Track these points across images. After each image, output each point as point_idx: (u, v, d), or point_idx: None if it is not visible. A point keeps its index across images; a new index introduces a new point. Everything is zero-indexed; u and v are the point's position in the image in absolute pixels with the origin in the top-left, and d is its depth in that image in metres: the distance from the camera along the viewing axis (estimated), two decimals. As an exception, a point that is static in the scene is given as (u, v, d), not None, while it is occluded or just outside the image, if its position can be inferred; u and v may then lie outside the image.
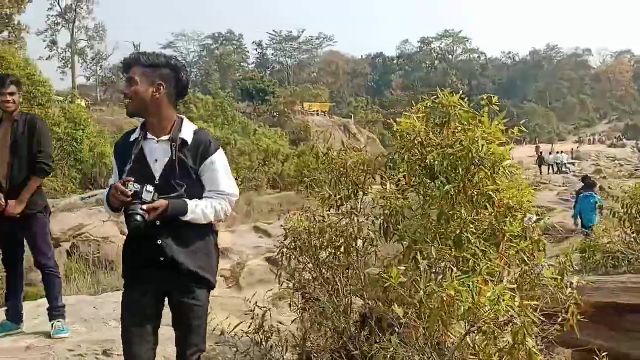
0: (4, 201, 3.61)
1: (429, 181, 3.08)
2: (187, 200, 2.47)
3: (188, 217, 2.45)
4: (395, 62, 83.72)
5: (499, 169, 2.94)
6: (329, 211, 3.73)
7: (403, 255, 2.79)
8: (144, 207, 2.33)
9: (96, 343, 3.77)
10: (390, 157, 3.32)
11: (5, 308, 4.06)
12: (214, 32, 76.08)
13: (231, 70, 66.30)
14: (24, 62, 20.95)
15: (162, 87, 2.50)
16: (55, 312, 3.86)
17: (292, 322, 3.96)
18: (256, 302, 3.74)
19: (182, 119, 2.57)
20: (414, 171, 3.12)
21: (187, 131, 2.53)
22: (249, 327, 3.62)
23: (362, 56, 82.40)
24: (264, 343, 3.60)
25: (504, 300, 2.21)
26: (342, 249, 3.29)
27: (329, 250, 3.37)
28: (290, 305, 3.85)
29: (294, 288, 3.83)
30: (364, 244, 3.40)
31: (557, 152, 40.02)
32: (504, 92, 73.46)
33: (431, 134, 3.12)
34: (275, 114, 46.95)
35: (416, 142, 3.10)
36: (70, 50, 50.72)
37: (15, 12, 38.84)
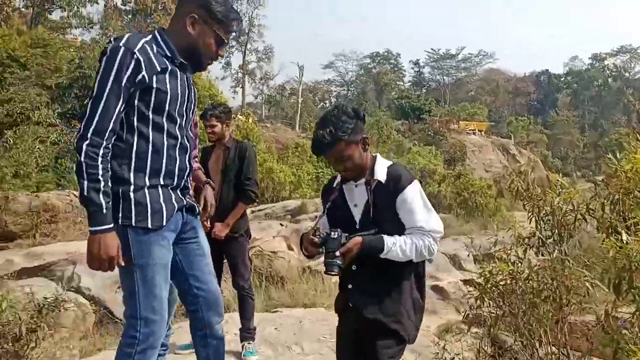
0: (209, 223, 3.82)
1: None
2: (384, 236, 2.36)
3: (385, 253, 2.34)
4: (562, 79, 78.28)
5: None
6: (525, 251, 3.43)
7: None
8: (337, 253, 2.28)
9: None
10: (610, 199, 2.93)
11: None
12: (372, 51, 77.40)
13: (387, 89, 66.66)
14: (208, 83, 22.98)
15: (366, 140, 2.47)
16: (247, 333, 4.00)
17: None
18: (444, 346, 3.53)
19: (375, 157, 2.50)
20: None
21: (381, 170, 2.45)
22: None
23: (524, 74, 78.21)
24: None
25: None
26: (551, 299, 2.97)
27: (534, 298, 3.06)
28: (479, 351, 3.59)
29: (483, 334, 3.57)
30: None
31: None
32: (693, 112, 65.09)
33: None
34: (430, 132, 46.21)
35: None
36: (241, 70, 54.71)
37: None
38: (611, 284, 2.35)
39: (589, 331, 3.36)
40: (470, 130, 48.54)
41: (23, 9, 36.21)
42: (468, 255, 9.78)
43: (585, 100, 73.61)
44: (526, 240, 3.32)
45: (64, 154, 14.20)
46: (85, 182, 2.13)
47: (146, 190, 2.28)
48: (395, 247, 2.35)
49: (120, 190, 2.24)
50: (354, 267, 2.40)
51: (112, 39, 2.30)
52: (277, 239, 9.04)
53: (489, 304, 3.44)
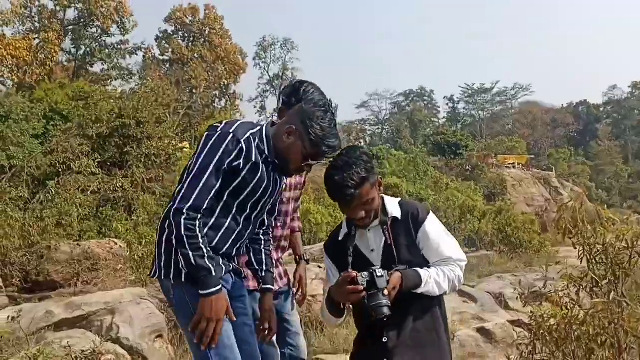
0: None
1: None
2: (418, 269, 2.25)
3: (423, 288, 2.22)
4: (601, 109, 76.82)
5: None
6: (578, 292, 3.22)
7: None
8: (385, 292, 2.14)
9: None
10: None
11: None
12: (405, 89, 77.75)
13: (422, 126, 66.64)
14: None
15: (380, 182, 2.38)
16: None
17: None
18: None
19: (383, 197, 2.39)
20: None
21: (393, 207, 2.36)
22: None
23: (562, 105, 77.08)
24: None
25: None
26: (609, 344, 2.76)
27: (591, 344, 2.85)
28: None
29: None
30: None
31: None
32: None
33: None
34: (468, 167, 45.66)
35: None
36: (276, 114, 55.75)
37: (231, 82, 44.07)
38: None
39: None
40: (509, 163, 47.78)
41: (65, 63, 37.96)
42: (515, 294, 9.43)
43: (626, 129, 71.89)
44: (578, 281, 3.11)
45: (105, 203, 14.49)
46: (190, 253, 2.24)
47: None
48: (431, 279, 2.25)
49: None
50: (385, 319, 2.19)
51: (224, 122, 2.43)
52: (315, 282, 8.89)
53: (541, 349, 3.23)
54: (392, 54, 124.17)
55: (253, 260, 2.66)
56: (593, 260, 3.17)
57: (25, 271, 10.29)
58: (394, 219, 2.33)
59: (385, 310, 2.11)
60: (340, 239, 2.43)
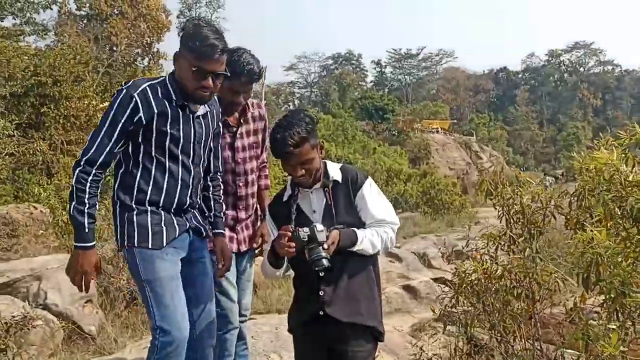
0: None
1: (629, 226, 2.74)
2: (355, 229, 2.39)
3: (358, 246, 2.37)
4: (520, 76, 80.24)
5: None
6: (497, 249, 3.49)
7: (607, 309, 2.48)
8: (325, 246, 2.27)
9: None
10: (577, 196, 3.01)
11: None
12: (333, 52, 77.75)
13: (350, 89, 67.09)
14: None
15: (322, 145, 2.50)
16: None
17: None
18: (421, 347, 3.56)
19: (325, 162, 2.52)
20: (611, 213, 2.79)
21: (334, 171, 2.50)
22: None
23: (484, 71, 79.88)
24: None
25: None
26: (524, 295, 3.03)
27: (507, 296, 3.11)
28: (455, 350, 3.64)
29: (458, 332, 3.61)
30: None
31: None
32: (644, 105, 67.62)
33: (632, 173, 2.77)
34: (394, 131, 46.68)
35: (614, 180, 2.77)
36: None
37: (155, 40, 42.34)
38: (580, 278, 2.41)
39: (559, 325, 3.43)
40: (433, 128, 49.24)
41: (-27, 17, 35.09)
42: (438, 254, 9.91)
43: (542, 95, 75.67)
44: (497, 239, 3.36)
45: (22, 166, 13.77)
46: (73, 203, 2.36)
47: (148, 215, 2.46)
48: (366, 239, 2.40)
49: (126, 215, 2.46)
50: (321, 273, 2.35)
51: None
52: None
53: (463, 302, 3.49)
54: (322, 16, 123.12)
55: (203, 206, 2.75)
56: (511, 220, 3.43)
57: None
58: (335, 182, 2.46)
59: (325, 262, 2.23)
60: (284, 200, 2.53)
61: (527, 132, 65.01)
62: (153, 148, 2.45)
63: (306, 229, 2.27)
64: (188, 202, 2.57)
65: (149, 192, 2.47)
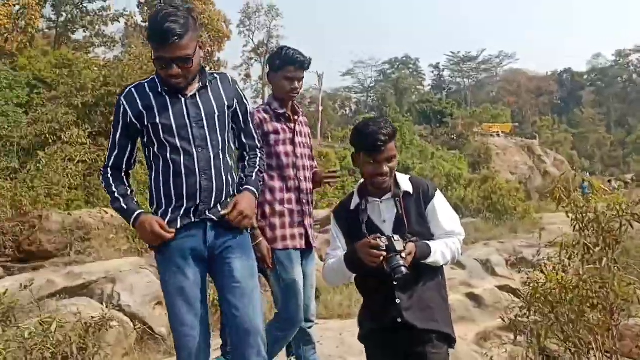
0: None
1: None
2: (427, 242, 2.41)
3: (431, 259, 2.38)
4: (585, 77, 77.22)
5: None
6: (570, 259, 3.39)
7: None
8: (403, 255, 2.27)
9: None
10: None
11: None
12: (390, 57, 77.37)
13: (407, 94, 66.52)
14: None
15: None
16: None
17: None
18: (491, 357, 3.49)
19: (395, 173, 2.51)
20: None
21: (404, 182, 2.49)
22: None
23: (547, 73, 77.32)
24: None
25: None
26: (600, 306, 2.93)
27: (583, 307, 3.02)
28: (525, 360, 3.55)
29: (528, 343, 3.52)
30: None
31: None
32: None
33: None
34: (453, 135, 45.90)
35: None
36: (261, 82, 55.14)
37: (215, 49, 43.45)
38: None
39: (638, 337, 3.30)
40: (493, 132, 48.09)
41: (46, 30, 37.08)
42: (503, 260, 9.68)
43: (610, 97, 72.52)
44: (571, 247, 3.26)
45: (93, 172, 14.43)
46: (110, 201, 2.54)
47: (159, 214, 2.48)
48: (438, 252, 2.40)
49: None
50: (394, 282, 2.35)
51: None
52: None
53: (534, 312, 3.41)
54: (378, 21, 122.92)
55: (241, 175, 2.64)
56: (585, 228, 3.32)
57: (17, 241, 10.31)
58: (406, 192, 2.46)
59: (404, 270, 2.23)
60: (351, 208, 2.53)
61: (594, 135, 62.41)
62: (155, 146, 2.46)
63: (384, 239, 2.28)
64: (202, 190, 2.44)
65: (161, 191, 2.47)
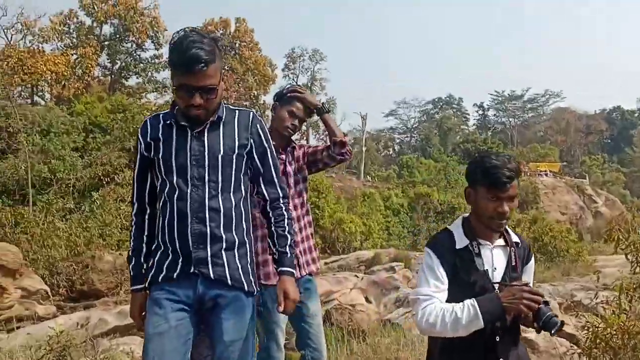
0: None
1: None
2: None
3: None
4: (636, 115, 75.11)
5: None
6: (631, 302, 3.25)
7: None
8: (549, 304, 2.15)
9: None
10: None
11: None
12: (433, 97, 77.38)
13: (451, 133, 66.11)
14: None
15: None
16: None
17: None
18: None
19: None
20: None
21: (511, 232, 2.34)
22: None
23: (595, 111, 75.66)
24: None
25: None
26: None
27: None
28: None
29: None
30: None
31: None
32: None
33: None
34: (499, 176, 45.09)
35: None
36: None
37: (261, 92, 44.57)
38: None
39: None
40: (541, 171, 47.10)
41: (102, 77, 38.96)
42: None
43: (663, 134, 70.07)
44: (631, 291, 3.14)
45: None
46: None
47: (157, 255, 2.28)
48: None
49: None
50: (497, 338, 2.16)
51: None
52: (354, 291, 8.98)
53: (594, 359, 3.27)
54: (420, 62, 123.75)
55: (270, 243, 2.42)
56: (646, 271, 3.20)
57: (71, 280, 10.64)
58: (516, 244, 2.31)
59: (557, 320, 2.04)
60: (457, 247, 2.23)
61: (647, 174, 60.27)
62: (159, 181, 2.28)
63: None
64: (194, 234, 2.21)
65: (159, 232, 2.28)
